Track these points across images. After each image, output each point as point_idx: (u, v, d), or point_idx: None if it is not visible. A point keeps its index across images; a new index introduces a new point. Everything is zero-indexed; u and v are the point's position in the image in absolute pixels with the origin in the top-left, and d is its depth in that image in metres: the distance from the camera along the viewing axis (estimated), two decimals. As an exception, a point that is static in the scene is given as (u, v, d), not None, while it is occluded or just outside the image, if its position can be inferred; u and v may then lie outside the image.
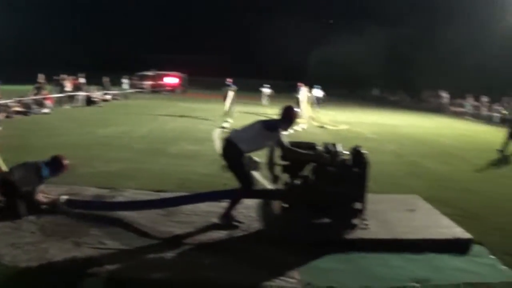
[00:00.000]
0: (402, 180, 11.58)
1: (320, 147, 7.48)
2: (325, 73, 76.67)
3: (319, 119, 27.12)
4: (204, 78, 75.98)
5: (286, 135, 7.20)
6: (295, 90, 28.20)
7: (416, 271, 5.97)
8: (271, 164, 7.55)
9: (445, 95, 47.52)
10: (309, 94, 28.39)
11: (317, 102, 32.81)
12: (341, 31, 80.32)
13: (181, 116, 26.03)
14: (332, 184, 7.00)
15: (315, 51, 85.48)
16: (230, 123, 22.27)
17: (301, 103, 25.70)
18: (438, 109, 46.44)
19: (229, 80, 27.04)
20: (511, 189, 11.49)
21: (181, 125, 21.51)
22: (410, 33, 65.00)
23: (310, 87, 30.44)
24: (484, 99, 40.34)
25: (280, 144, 7.06)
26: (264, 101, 43.79)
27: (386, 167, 13.08)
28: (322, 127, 24.54)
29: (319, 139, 10.93)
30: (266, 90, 45.45)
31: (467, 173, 13.46)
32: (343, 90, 75.11)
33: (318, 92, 34.43)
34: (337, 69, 77.35)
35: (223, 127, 21.16)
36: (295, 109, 7.57)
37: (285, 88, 47.10)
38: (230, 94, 26.08)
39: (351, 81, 74.56)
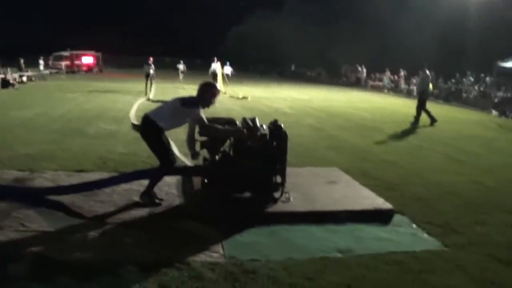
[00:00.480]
0: (321, 153, 11.74)
1: (238, 122, 7.50)
2: (242, 50, 77.14)
3: (230, 92, 29.62)
4: (120, 57, 75.21)
5: (204, 110, 7.13)
6: (210, 63, 32.26)
7: (339, 241, 6.03)
8: (190, 140, 7.51)
9: (363, 70, 48.34)
10: (221, 69, 31.92)
11: (227, 77, 34.87)
12: (260, 8, 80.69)
13: (99, 96, 25.72)
14: (251, 159, 7.04)
15: (233, 29, 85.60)
16: (151, 100, 22.39)
17: (217, 76, 29.72)
18: (357, 84, 47.36)
19: (150, 59, 27.46)
20: (427, 160, 11.81)
21: (99, 105, 21.15)
22: (327, 9, 65.71)
23: (222, 63, 33.79)
24: (402, 73, 41.27)
25: (199, 121, 7.03)
26: (180, 77, 46.50)
27: (305, 140, 13.28)
28: (234, 97, 27.31)
29: (237, 115, 10.94)
30: (181, 66, 49.36)
31: (384, 145, 13.79)
32: (260, 66, 75.61)
33: (227, 69, 38.43)
34: (255, 46, 77.67)
35: (148, 100, 22.85)
36: (213, 85, 7.58)
37: (202, 66, 48.98)
38: (151, 72, 26.55)
39: (270, 59, 74.86)
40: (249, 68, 76.24)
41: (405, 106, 25.55)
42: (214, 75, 30.00)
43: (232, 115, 11.22)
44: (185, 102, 7.14)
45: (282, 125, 7.22)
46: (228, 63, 41.32)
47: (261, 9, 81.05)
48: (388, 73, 43.51)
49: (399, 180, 9.26)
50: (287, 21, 70.79)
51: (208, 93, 7.27)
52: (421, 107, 18.72)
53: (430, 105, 19.56)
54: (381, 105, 27.02)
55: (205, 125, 7.01)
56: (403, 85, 39.97)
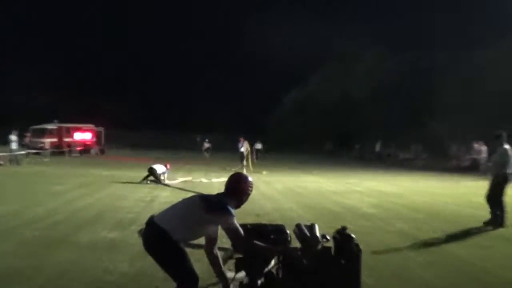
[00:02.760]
0: (415, 274, 11.60)
1: (290, 231, 7.55)
2: (303, 122, 77.18)
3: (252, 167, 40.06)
4: (131, 134, 76.19)
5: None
6: (237, 144, 45.09)
7: None
8: (215, 261, 7.46)
9: (484, 149, 47.27)
10: (248, 148, 44.14)
11: (257, 153, 54.01)
12: (328, 63, 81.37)
13: (99, 189, 26.06)
14: (308, 284, 7.04)
15: (291, 93, 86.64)
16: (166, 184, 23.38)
17: (245, 156, 42.35)
18: (473, 169, 46.67)
19: (168, 166, 30.26)
20: None
21: (99, 203, 21.34)
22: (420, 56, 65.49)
23: (252, 141, 48.17)
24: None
25: (232, 233, 7.01)
26: (207, 155, 66.16)
27: (392, 255, 13.13)
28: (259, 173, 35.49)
29: (294, 217, 10.96)
30: (206, 145, 70.66)
31: (509, 260, 13.55)
32: (328, 145, 75.12)
33: (258, 145, 60.86)
34: (321, 117, 77.27)
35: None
36: (246, 179, 7.57)
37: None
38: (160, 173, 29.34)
39: (343, 134, 74.12)
40: (305, 147, 75.99)
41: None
42: (241, 154, 43.46)
43: (287, 216, 11.17)
44: (212, 206, 7.10)
45: (354, 236, 7.26)
46: (259, 140, 63.34)
47: (331, 65, 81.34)
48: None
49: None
50: (367, 80, 70.50)
51: (240, 189, 7.37)
52: (496, 196, 18.31)
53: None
54: None
55: (241, 239, 6.98)
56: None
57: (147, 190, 25.69)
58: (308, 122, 79.65)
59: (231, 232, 6.94)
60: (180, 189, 26.32)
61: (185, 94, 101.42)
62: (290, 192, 26.62)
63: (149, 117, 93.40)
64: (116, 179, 31.84)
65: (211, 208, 7.06)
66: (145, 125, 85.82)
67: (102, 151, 64.73)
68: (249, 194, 7.46)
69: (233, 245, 7.26)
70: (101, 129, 67.17)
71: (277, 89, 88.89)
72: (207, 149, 67.78)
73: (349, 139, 72.64)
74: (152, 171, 30.15)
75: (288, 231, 7.50)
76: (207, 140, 71.17)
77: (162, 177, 30.02)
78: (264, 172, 39.66)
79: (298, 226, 7.58)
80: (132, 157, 55.57)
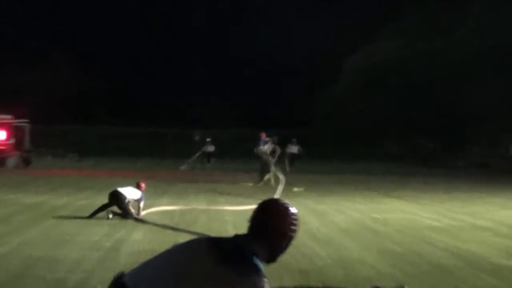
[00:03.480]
0: None
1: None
2: (361, 109, 76.54)
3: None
4: (74, 129, 76.57)
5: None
6: (257, 142, 46.25)
7: None
8: None
9: None
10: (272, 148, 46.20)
11: (291, 160, 61.84)
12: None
13: (19, 229, 25.90)
14: None
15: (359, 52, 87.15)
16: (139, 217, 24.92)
17: (268, 158, 44.40)
18: None
19: (143, 186, 28.97)
20: None
21: (19, 252, 21.18)
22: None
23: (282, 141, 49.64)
24: None
25: None
26: (209, 165, 73.31)
27: None
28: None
29: (367, 275, 11.04)
30: (209, 147, 75.14)
31: None
32: (426, 148, 74.28)
33: (293, 148, 66.06)
34: (395, 93, 76.66)
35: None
36: (288, 211, 6.90)
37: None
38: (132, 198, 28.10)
39: (438, 125, 73.17)
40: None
41: None
42: (264, 157, 45.64)
43: (357, 273, 11.23)
44: (229, 259, 6.38)
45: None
46: (295, 140, 67.94)
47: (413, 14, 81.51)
48: None
49: None
50: (480, 37, 70.07)
51: (276, 229, 6.77)
52: None
53: None
54: None
55: None
56: None
57: (106, 230, 25.31)
58: (378, 107, 78.24)
59: None
60: (166, 227, 25.91)
61: (174, 72, 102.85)
62: (360, 230, 26.45)
63: (112, 103, 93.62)
64: (52, 210, 31.62)
65: (227, 262, 6.32)
66: (109, 117, 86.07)
67: (26, 161, 64.10)
68: (292, 237, 6.74)
69: None
70: (24, 122, 65.81)
71: (328, 54, 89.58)
72: (210, 154, 69.54)
73: (457, 136, 71.72)
74: (116, 198, 27.63)
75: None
76: (209, 140, 72.20)
77: (133, 209, 27.58)
78: (297, 189, 41.54)
79: (374, 288, 7.49)
80: (79, 170, 55.63)
